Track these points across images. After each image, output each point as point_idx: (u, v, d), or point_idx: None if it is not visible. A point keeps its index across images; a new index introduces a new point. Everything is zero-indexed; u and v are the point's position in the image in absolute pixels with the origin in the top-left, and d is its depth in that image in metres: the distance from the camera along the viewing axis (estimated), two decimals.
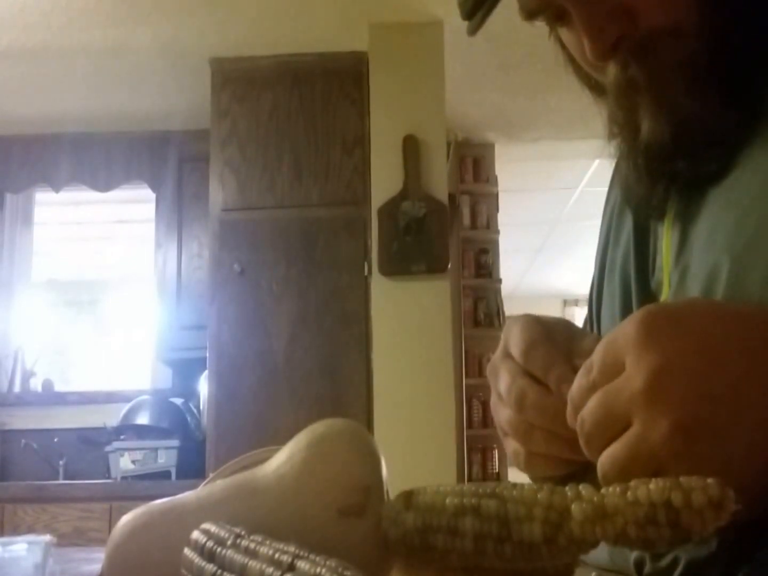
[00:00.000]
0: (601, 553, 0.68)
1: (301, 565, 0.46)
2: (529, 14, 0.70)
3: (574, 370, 0.56)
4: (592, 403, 0.51)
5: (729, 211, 0.61)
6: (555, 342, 0.62)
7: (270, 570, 0.47)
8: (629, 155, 0.68)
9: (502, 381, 0.63)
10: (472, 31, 0.70)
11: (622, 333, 0.50)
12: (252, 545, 0.50)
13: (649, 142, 0.65)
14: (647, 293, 0.70)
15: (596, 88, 0.73)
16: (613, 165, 0.84)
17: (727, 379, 0.47)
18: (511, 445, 0.64)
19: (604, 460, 0.50)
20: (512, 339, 0.64)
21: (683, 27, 0.63)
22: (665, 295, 0.67)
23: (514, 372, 0.62)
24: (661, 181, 0.67)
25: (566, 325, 0.67)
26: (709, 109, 0.62)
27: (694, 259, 0.63)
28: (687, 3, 0.63)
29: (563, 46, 0.73)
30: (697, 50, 0.62)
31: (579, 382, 0.53)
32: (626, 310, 0.73)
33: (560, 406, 0.58)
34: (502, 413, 0.63)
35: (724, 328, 0.49)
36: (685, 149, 0.64)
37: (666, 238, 0.68)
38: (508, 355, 0.64)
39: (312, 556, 0.47)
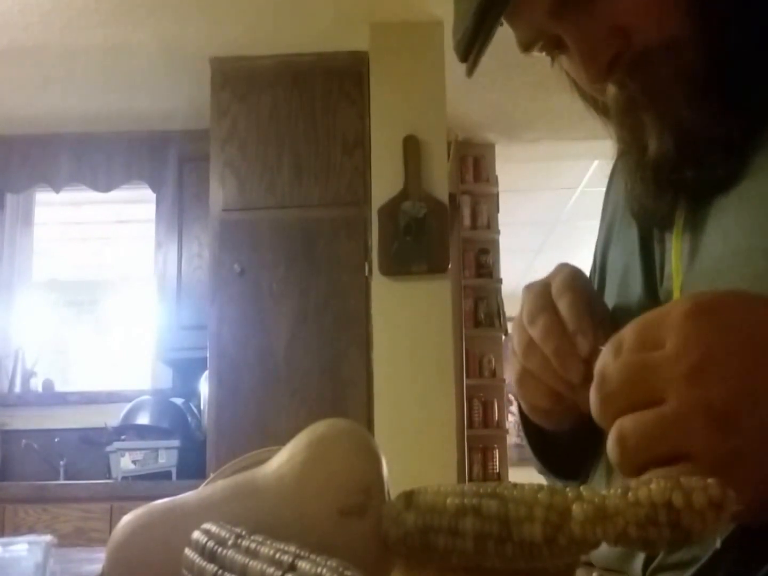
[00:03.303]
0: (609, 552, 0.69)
1: (302, 565, 0.46)
2: (526, 46, 0.70)
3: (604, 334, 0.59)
4: (622, 364, 0.50)
5: (742, 217, 0.61)
6: (592, 299, 0.67)
7: (271, 570, 0.47)
8: (636, 170, 0.68)
9: (529, 302, 0.68)
10: (469, 72, 0.71)
11: (664, 317, 0.50)
12: (253, 545, 0.50)
13: (657, 157, 0.65)
14: (655, 301, 0.70)
15: (603, 110, 0.73)
16: (612, 164, 0.84)
17: None
18: (513, 365, 0.69)
19: (627, 423, 0.49)
20: (558, 275, 0.69)
21: (678, 40, 0.63)
22: None
23: (545, 296, 0.67)
24: (669, 191, 0.67)
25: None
26: (711, 117, 0.62)
27: (710, 268, 0.63)
28: (680, 15, 0.63)
29: (567, 73, 0.74)
30: (694, 61, 0.62)
31: (605, 358, 0.52)
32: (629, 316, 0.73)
33: (567, 343, 0.63)
34: (517, 334, 0.68)
35: None
36: (691, 158, 0.64)
37: (675, 246, 0.68)
38: (546, 284, 0.69)
39: (313, 556, 0.47)
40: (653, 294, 0.70)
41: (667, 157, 0.64)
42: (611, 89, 0.67)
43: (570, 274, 0.68)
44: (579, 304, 0.65)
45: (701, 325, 0.48)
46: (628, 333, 0.51)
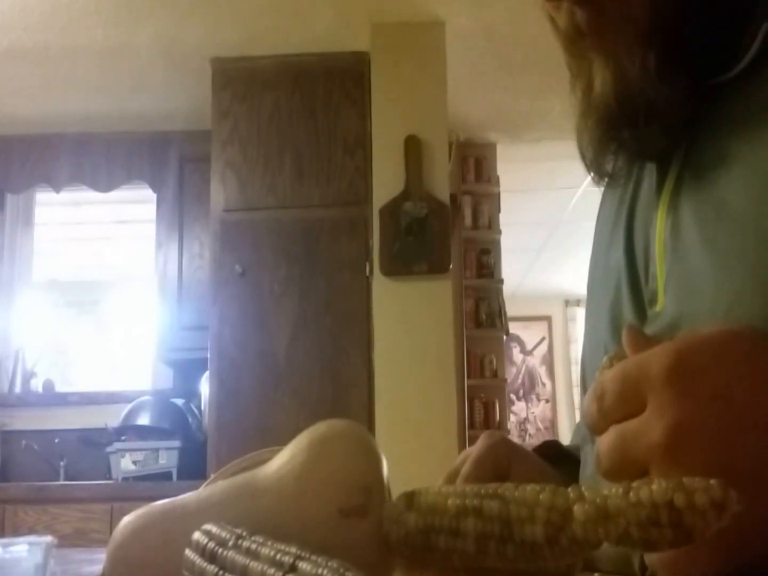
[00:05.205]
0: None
1: (303, 566, 0.46)
2: None
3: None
4: (608, 445, 0.50)
5: (725, 224, 0.59)
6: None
7: (271, 571, 0.47)
8: (583, 114, 0.70)
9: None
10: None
11: (646, 372, 0.49)
12: (253, 546, 0.50)
13: (600, 102, 0.66)
14: (640, 302, 0.69)
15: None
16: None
17: (748, 452, 0.46)
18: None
19: None
20: (465, 462, 0.78)
21: None
22: (660, 307, 0.66)
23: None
24: (609, 146, 0.69)
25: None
26: (648, 75, 0.63)
27: (691, 273, 0.62)
28: None
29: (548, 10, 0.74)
30: (641, 6, 0.63)
31: (590, 406, 0.52)
32: (615, 318, 0.72)
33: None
34: None
35: (756, 393, 0.47)
36: (628, 117, 0.65)
37: (658, 247, 0.66)
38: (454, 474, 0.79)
39: (313, 557, 0.46)
40: (639, 297, 0.69)
41: (608, 105, 0.65)
42: (562, 18, 0.68)
43: (475, 460, 0.77)
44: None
45: (680, 392, 0.48)
46: (609, 386, 0.50)
